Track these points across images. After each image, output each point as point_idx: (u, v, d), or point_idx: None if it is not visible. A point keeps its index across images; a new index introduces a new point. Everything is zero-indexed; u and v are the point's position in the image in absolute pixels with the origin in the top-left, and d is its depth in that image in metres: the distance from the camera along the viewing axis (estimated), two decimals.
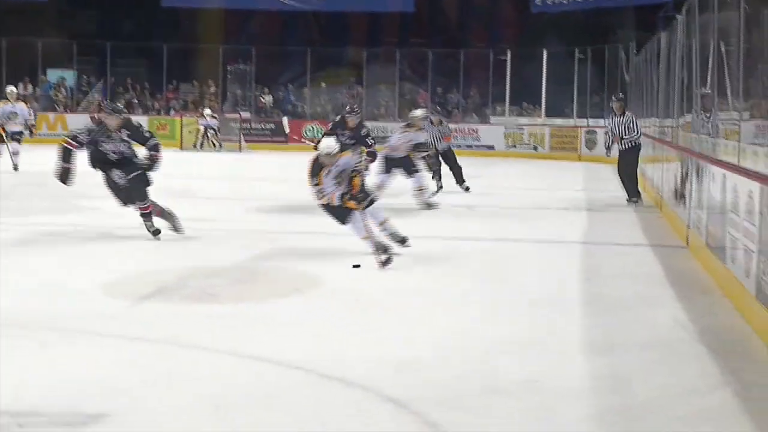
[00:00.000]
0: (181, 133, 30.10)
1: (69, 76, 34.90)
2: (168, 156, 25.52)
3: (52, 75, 34.79)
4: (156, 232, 10.54)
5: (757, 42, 8.13)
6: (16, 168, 19.42)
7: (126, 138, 10.54)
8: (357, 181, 9.63)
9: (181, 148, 29.13)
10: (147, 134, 10.92)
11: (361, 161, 9.91)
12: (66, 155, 10.34)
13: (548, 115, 30.95)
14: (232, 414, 4.92)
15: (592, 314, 7.44)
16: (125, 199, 10.63)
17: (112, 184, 10.55)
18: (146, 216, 10.54)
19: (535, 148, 28.45)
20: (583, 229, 12.46)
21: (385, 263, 9.00)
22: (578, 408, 5.09)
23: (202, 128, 29.38)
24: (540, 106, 31.50)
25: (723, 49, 9.64)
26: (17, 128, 20.12)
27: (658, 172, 14.86)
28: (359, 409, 5.07)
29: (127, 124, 10.72)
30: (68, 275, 8.72)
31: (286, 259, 9.66)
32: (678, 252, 10.58)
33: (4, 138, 19.76)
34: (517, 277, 9.06)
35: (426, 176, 14.66)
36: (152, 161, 10.61)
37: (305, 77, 34.27)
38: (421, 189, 14.28)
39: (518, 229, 12.18)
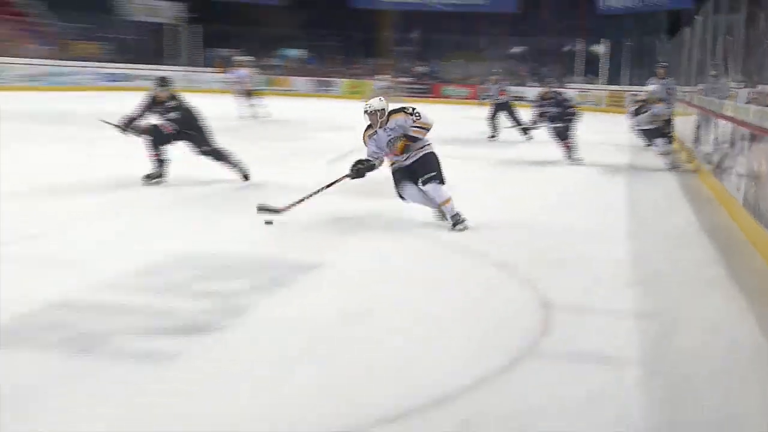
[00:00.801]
0: (364, 91, 30.52)
1: (294, 53, 35.77)
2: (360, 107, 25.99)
3: (282, 52, 35.51)
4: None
5: (752, 36, 7.90)
6: (254, 115, 17.96)
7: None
8: (401, 145, 6.14)
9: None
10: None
11: (413, 126, 6.14)
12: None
13: (606, 83, 30.52)
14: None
15: (630, 213, 7.38)
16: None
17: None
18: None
19: (597, 105, 27.85)
20: (625, 159, 12.20)
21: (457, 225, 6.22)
22: (619, 272, 5.13)
23: (376, 88, 29.60)
24: (599, 77, 31.21)
25: (728, 40, 9.37)
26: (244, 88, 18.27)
27: (680, 123, 14.37)
28: (474, 267, 5.18)
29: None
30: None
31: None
32: (690, 175, 10.31)
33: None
34: (577, 190, 8.97)
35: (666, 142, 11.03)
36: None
37: (445, 55, 34.20)
38: (667, 153, 10.88)
39: (583, 158, 11.93)
